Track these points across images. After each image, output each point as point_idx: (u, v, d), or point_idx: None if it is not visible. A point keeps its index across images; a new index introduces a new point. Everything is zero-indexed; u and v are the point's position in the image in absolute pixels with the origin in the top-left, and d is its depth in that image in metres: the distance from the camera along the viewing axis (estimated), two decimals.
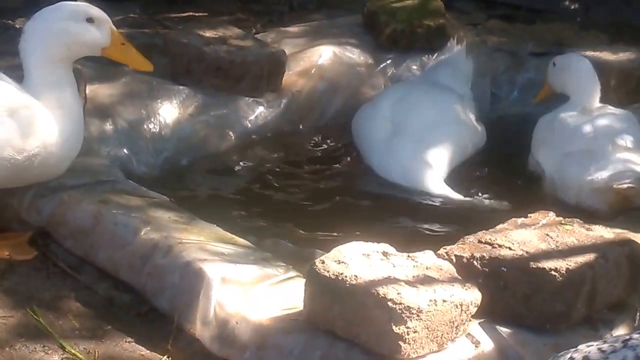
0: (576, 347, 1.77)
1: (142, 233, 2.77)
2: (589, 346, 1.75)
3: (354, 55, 4.17)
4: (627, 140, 3.49)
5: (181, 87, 3.71)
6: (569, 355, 1.75)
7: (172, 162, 3.57)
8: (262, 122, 3.82)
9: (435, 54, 4.25)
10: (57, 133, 2.83)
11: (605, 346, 1.73)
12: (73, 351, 2.52)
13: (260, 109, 3.84)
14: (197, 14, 4.55)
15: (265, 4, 5.04)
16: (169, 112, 3.64)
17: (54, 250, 2.89)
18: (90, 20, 2.85)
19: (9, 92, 2.79)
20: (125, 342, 2.59)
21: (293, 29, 4.34)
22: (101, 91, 3.59)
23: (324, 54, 4.09)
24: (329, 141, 3.92)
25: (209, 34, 3.86)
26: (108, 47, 2.89)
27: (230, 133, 3.74)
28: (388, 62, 4.21)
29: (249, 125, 3.79)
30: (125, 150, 3.44)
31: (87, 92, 3.40)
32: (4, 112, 2.75)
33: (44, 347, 2.53)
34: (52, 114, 2.82)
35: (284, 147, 3.85)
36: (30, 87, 2.83)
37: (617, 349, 1.71)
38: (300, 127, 3.91)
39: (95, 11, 2.87)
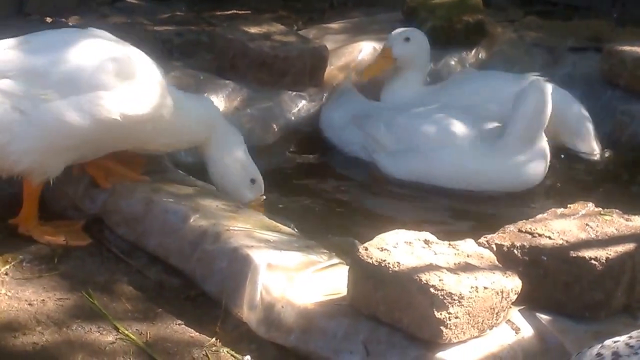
0: (602, 343, 1.78)
1: (191, 220, 2.85)
2: (615, 342, 1.75)
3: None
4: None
5: (227, 82, 3.80)
6: (595, 350, 1.75)
7: None
8: (305, 115, 3.90)
9: (474, 50, 4.30)
10: None
11: (633, 341, 1.72)
12: (126, 332, 2.60)
13: (303, 103, 3.92)
14: (240, 12, 4.64)
15: (306, 2, 5.12)
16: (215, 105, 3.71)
17: (107, 236, 2.98)
18: (252, 181, 3.23)
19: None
20: (176, 324, 2.67)
21: (334, 25, 4.42)
22: None
23: (365, 50, 4.16)
24: None
25: (253, 30, 3.95)
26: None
27: (274, 126, 3.82)
28: None
29: (292, 118, 3.87)
30: None
31: None
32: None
33: (98, 328, 2.62)
34: None
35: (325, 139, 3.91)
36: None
37: None
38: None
39: (260, 183, 3.24)
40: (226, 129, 3.19)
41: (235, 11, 4.64)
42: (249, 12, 4.70)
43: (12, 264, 2.84)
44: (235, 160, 3.18)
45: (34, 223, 2.92)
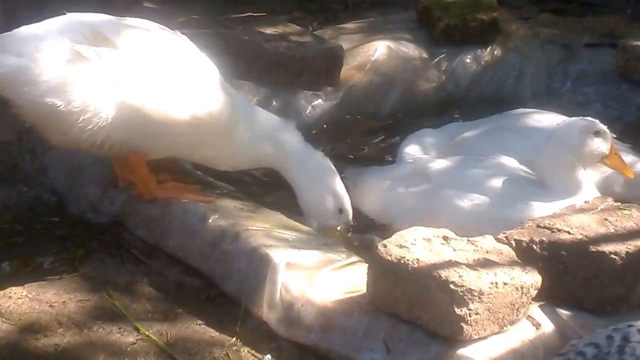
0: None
1: (210, 220, 2.87)
2: None
3: (409, 49, 4.26)
4: None
5: (243, 82, 3.83)
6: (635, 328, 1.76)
7: None
8: (321, 114, 3.93)
9: (489, 47, 4.31)
10: None
11: None
12: (147, 333, 2.62)
13: (319, 102, 3.95)
14: (256, 14, 4.67)
15: (321, 3, 5.15)
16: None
17: (126, 238, 3.00)
18: (340, 210, 3.17)
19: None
20: (196, 324, 2.68)
21: (349, 25, 4.45)
22: None
23: (380, 49, 4.19)
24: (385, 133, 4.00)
25: (269, 31, 3.98)
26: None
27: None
28: (442, 56, 4.29)
29: (309, 117, 3.90)
30: None
31: None
32: None
33: (119, 328, 2.64)
34: None
35: (342, 137, 3.92)
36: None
37: None
38: (357, 117, 3.99)
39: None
40: (309, 155, 3.13)
41: (250, 13, 4.67)
42: (264, 13, 4.73)
43: (33, 266, 2.87)
44: (323, 189, 3.13)
45: (153, 186, 2.96)
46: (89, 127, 2.72)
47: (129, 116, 2.76)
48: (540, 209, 2.97)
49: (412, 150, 3.47)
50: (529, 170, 3.20)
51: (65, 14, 2.84)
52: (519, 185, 3.12)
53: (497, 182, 3.12)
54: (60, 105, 2.68)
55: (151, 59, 2.81)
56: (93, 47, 2.73)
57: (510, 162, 3.24)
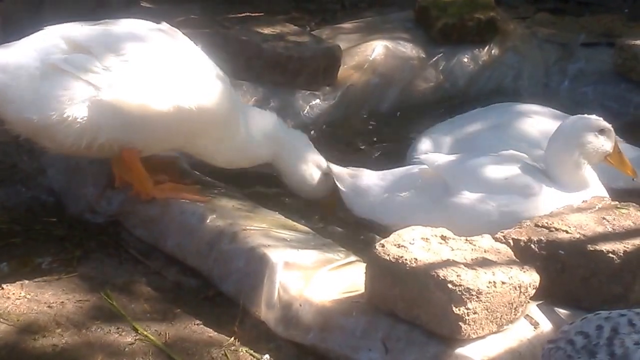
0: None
1: (208, 220, 2.87)
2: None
3: (407, 49, 4.26)
4: None
5: (241, 82, 3.84)
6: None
7: None
8: (319, 113, 3.93)
9: (487, 47, 4.32)
10: None
11: None
12: (145, 333, 2.62)
13: (317, 102, 3.96)
14: (254, 14, 4.68)
15: (318, 3, 5.16)
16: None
17: (125, 238, 3.01)
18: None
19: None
20: (194, 324, 2.69)
21: (347, 25, 4.46)
22: None
23: (377, 49, 4.19)
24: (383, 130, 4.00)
25: (267, 31, 4.00)
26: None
27: (289, 124, 3.85)
28: (440, 55, 4.30)
29: (306, 116, 3.91)
30: None
31: None
32: None
33: (117, 329, 2.64)
34: None
35: (340, 137, 3.93)
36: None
37: None
38: (355, 117, 4.01)
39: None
40: (292, 137, 3.21)
41: (248, 13, 4.69)
42: (262, 13, 4.75)
43: (31, 266, 2.88)
44: (309, 163, 3.22)
45: (150, 185, 2.97)
46: (72, 133, 2.77)
47: (109, 114, 2.78)
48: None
49: (424, 148, 3.43)
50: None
51: (43, 29, 2.88)
52: (542, 183, 3.06)
53: (520, 180, 3.05)
54: (38, 120, 2.74)
55: (126, 56, 2.82)
56: (65, 56, 2.77)
57: (521, 156, 3.18)
